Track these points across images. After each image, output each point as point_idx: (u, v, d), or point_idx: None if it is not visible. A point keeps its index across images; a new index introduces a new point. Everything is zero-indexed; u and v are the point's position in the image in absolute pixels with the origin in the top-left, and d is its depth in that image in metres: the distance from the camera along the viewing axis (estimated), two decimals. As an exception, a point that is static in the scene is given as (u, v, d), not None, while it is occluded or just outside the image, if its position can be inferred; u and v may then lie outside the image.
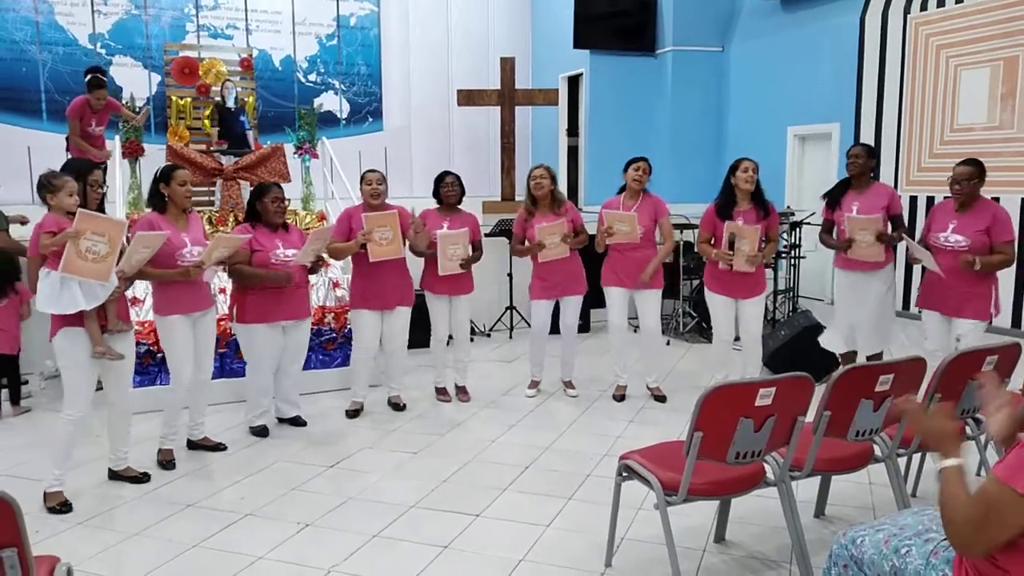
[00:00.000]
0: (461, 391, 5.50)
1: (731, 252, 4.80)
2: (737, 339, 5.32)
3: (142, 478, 4.02)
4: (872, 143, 7.94)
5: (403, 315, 5.13)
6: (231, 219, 6.54)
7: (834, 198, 5.12)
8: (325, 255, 4.91)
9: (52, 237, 3.47)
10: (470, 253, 5.13)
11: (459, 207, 5.26)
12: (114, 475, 4.03)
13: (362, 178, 5.05)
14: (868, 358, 5.03)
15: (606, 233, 5.04)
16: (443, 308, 5.29)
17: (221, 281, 5.21)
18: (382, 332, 5.11)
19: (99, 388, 3.92)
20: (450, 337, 5.44)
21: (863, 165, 4.99)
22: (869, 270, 4.96)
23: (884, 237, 4.83)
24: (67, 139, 7.22)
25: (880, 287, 4.99)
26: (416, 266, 5.23)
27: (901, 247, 5.08)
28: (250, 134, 7.59)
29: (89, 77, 6.97)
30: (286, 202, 4.71)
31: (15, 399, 5.27)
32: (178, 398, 4.31)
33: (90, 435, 4.31)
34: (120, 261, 3.67)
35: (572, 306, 5.37)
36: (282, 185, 4.96)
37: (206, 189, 7.31)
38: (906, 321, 7.47)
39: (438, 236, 5.02)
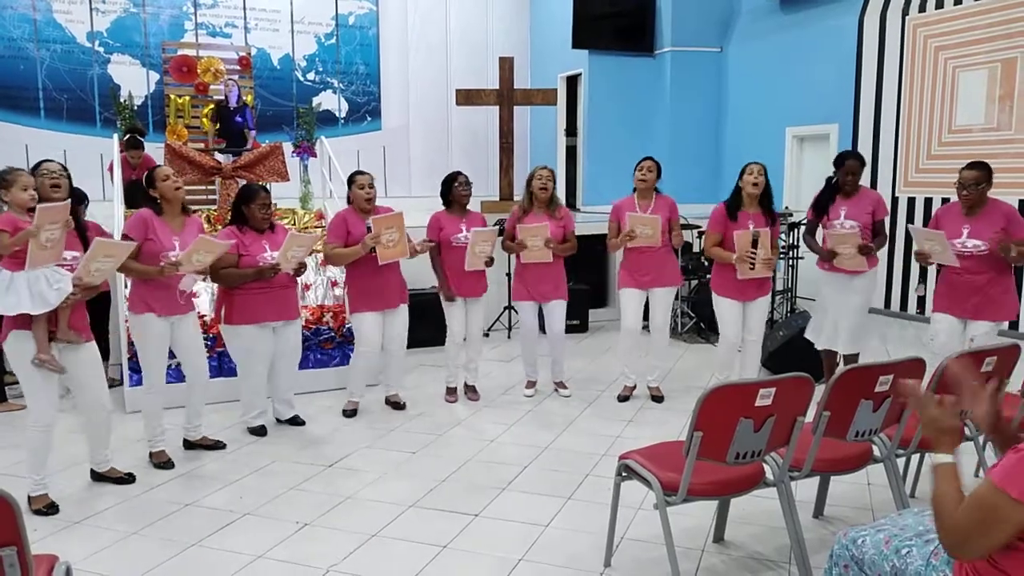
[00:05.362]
0: (471, 390, 5.50)
1: (755, 251, 4.73)
2: (739, 339, 5.32)
3: (127, 479, 3.96)
4: (870, 145, 7.97)
5: (404, 313, 5.12)
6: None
7: (822, 204, 5.09)
8: (307, 260, 4.77)
9: (10, 237, 3.32)
10: (492, 253, 5.14)
11: (467, 207, 5.27)
12: (98, 476, 3.96)
13: (352, 180, 4.93)
14: (845, 359, 5.05)
15: (627, 236, 5.02)
16: (460, 308, 5.28)
17: (202, 290, 5.12)
18: (383, 332, 5.10)
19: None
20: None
21: (856, 181, 4.98)
22: (850, 273, 4.96)
23: (864, 249, 4.83)
24: (109, 170, 7.39)
25: (860, 291, 5.00)
26: (407, 267, 5.22)
27: (891, 251, 5.06)
28: (250, 133, 7.59)
29: (127, 136, 7.06)
30: (273, 205, 4.62)
31: (1, 396, 5.24)
32: (153, 400, 4.21)
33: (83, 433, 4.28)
34: (78, 268, 3.51)
35: (557, 311, 5.36)
36: (269, 187, 4.90)
37: (204, 188, 7.30)
38: (904, 322, 7.49)
39: (472, 232, 5.02)
